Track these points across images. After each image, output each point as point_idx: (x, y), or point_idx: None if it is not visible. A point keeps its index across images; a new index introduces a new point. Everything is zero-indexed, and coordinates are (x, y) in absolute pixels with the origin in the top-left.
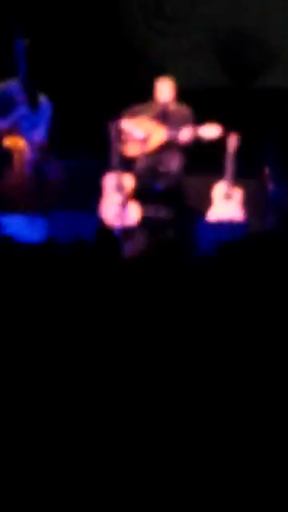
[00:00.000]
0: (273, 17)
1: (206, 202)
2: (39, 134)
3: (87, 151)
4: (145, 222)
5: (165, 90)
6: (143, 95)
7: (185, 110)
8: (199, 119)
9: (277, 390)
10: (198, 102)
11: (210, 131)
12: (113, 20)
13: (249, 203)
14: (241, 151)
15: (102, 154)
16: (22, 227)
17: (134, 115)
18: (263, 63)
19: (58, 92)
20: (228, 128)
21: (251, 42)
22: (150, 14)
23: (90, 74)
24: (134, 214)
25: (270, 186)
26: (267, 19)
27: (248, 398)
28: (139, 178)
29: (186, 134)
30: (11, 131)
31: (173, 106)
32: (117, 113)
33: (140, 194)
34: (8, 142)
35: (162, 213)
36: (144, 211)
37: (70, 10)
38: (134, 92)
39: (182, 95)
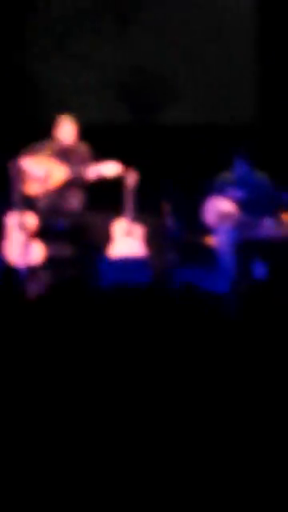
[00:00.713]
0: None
1: (107, 239)
2: None
3: None
4: (48, 260)
5: (65, 127)
6: (44, 133)
7: (84, 148)
8: (99, 157)
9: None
10: (98, 139)
11: (110, 168)
12: (14, 55)
13: (149, 239)
14: (140, 188)
15: (3, 193)
16: None
17: (34, 154)
18: (162, 100)
19: None
20: (128, 165)
21: (151, 80)
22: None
23: None
24: (36, 252)
25: (168, 222)
26: (167, 57)
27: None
28: (41, 217)
29: (85, 172)
30: None
31: (72, 144)
32: (17, 151)
33: (42, 233)
34: None
35: (65, 251)
36: (47, 250)
37: None
38: (35, 130)
39: (82, 132)
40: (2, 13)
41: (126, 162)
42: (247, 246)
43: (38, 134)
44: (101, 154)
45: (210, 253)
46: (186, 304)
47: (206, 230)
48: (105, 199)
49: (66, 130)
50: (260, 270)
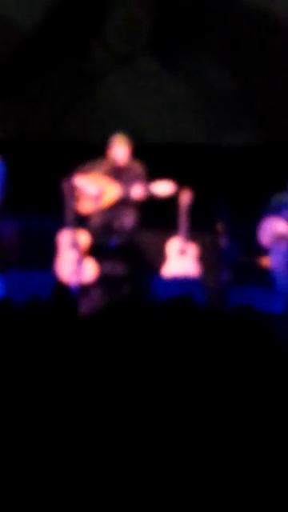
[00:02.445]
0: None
1: (161, 257)
2: None
3: (42, 209)
4: (100, 278)
5: (118, 146)
6: (97, 152)
7: (137, 167)
8: (152, 175)
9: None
10: (151, 158)
11: (163, 187)
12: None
13: (203, 258)
14: (194, 207)
15: (56, 211)
16: None
17: (87, 172)
18: (225, 121)
19: (11, 150)
20: (181, 184)
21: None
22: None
23: (46, 131)
24: (89, 270)
25: (223, 242)
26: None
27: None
28: (94, 235)
29: (139, 191)
30: None
31: (125, 163)
32: (70, 170)
33: (95, 251)
34: None
35: (118, 269)
36: (99, 268)
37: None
38: (88, 148)
39: (135, 151)
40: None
41: (182, 180)
42: None
43: (90, 153)
44: (157, 172)
45: (265, 273)
46: (241, 325)
47: (262, 251)
48: (159, 218)
49: (120, 149)
50: None
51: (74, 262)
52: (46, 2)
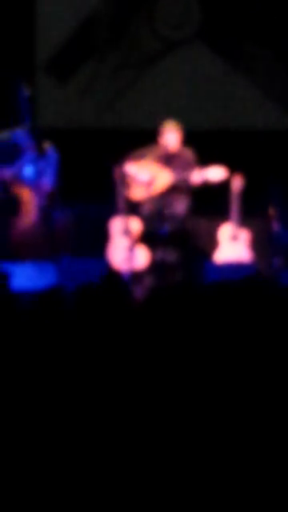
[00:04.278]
0: None
1: (213, 243)
2: (46, 181)
3: (94, 197)
4: (153, 265)
5: (169, 133)
6: (148, 138)
7: (188, 153)
8: (203, 161)
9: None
10: (203, 144)
11: (215, 173)
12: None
13: (255, 244)
14: (246, 192)
15: (108, 198)
16: (31, 275)
17: (138, 159)
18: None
19: (63, 138)
20: (232, 169)
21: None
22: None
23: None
24: (141, 257)
25: (276, 227)
26: None
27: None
28: (146, 222)
29: (190, 177)
30: (18, 179)
31: (176, 149)
32: (122, 157)
33: (147, 238)
34: (16, 189)
35: (170, 256)
36: (151, 254)
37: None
38: (139, 135)
39: (186, 137)
40: None
41: (233, 166)
42: None
43: (142, 139)
44: (208, 158)
45: None
46: None
47: None
48: (211, 204)
49: (171, 136)
50: None
51: (126, 250)
52: None
